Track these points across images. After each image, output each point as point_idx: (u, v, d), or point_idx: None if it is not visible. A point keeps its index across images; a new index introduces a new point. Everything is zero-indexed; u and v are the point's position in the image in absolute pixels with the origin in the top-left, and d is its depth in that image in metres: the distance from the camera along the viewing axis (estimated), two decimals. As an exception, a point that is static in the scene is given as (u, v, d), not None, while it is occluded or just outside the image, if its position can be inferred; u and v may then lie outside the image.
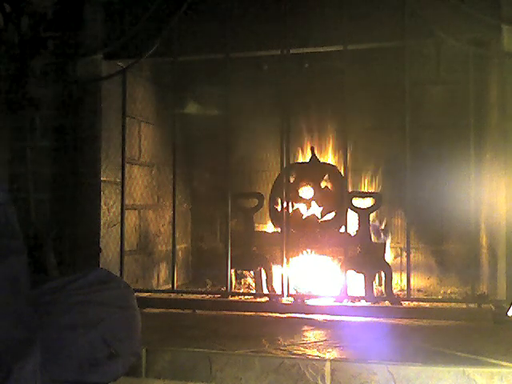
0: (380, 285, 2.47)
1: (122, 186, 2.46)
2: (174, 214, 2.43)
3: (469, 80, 2.20)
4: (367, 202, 2.48)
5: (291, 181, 2.59)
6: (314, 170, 2.65)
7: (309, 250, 2.53)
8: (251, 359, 1.61)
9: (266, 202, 2.65)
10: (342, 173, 2.38)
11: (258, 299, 2.42)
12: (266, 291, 2.52)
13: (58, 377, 0.92)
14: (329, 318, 2.18)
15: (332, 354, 1.63)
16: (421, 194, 2.56)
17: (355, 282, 2.39)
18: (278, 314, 2.24)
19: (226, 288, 2.38)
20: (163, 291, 2.67)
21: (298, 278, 2.46)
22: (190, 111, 3.12)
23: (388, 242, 2.79)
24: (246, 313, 2.27)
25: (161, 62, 2.66)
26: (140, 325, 1.06)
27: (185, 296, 2.52)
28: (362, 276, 2.34)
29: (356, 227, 2.42)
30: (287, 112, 2.35)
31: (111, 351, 0.96)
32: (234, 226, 2.61)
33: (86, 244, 2.40)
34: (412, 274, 2.25)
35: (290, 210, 2.44)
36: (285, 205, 2.39)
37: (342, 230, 2.34)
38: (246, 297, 2.48)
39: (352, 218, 2.40)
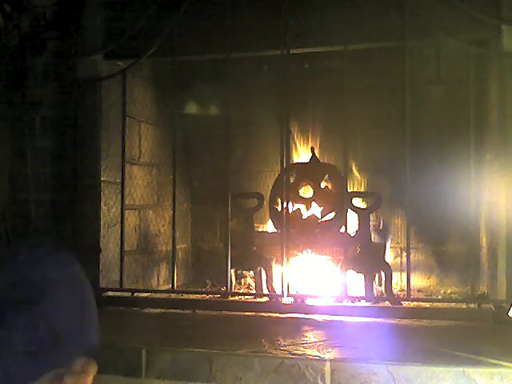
0: (380, 285, 2.47)
1: (122, 186, 2.46)
2: (174, 214, 2.43)
3: (469, 80, 2.20)
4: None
5: (291, 181, 2.59)
6: (314, 170, 2.65)
7: (309, 250, 2.53)
8: (251, 359, 1.61)
9: (266, 202, 2.66)
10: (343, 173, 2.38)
11: (258, 299, 2.42)
12: (266, 291, 2.52)
13: None
14: (329, 318, 2.18)
15: (332, 354, 1.63)
16: (421, 194, 2.56)
17: (355, 282, 2.39)
18: (278, 314, 2.24)
19: (226, 288, 2.38)
20: (163, 291, 2.68)
21: (298, 278, 2.46)
22: (189, 111, 3.12)
23: (388, 242, 2.79)
24: (245, 313, 2.27)
25: (161, 61, 2.66)
26: (94, 303, 0.90)
27: (185, 296, 2.52)
28: (361, 276, 2.34)
29: (356, 227, 2.42)
30: (287, 112, 2.35)
31: (53, 333, 0.86)
32: (234, 226, 2.61)
33: (86, 244, 2.40)
34: (412, 274, 2.26)
35: (290, 210, 2.44)
36: (285, 205, 2.39)
37: (342, 230, 2.34)
38: (246, 297, 2.48)
39: (352, 218, 2.40)
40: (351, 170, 2.73)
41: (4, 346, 0.80)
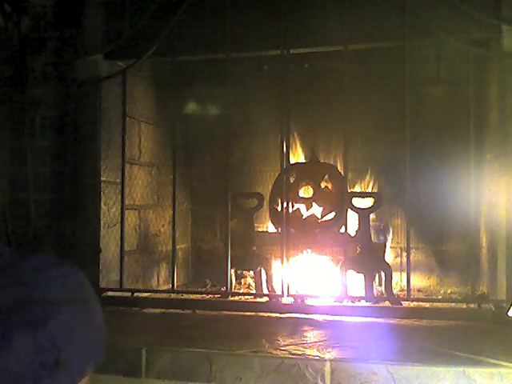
0: (380, 285, 2.47)
1: (122, 186, 2.46)
2: (174, 214, 2.43)
3: (469, 80, 2.20)
4: (367, 202, 2.48)
5: (291, 181, 2.59)
6: (314, 170, 2.65)
7: (309, 250, 2.53)
8: (251, 359, 1.61)
9: (266, 202, 2.65)
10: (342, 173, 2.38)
11: (258, 299, 2.42)
12: (266, 291, 2.52)
13: None
14: (329, 318, 2.18)
15: (332, 354, 1.63)
16: (421, 194, 2.56)
17: (355, 282, 2.39)
18: (278, 314, 2.24)
19: (226, 288, 2.38)
20: (163, 291, 2.68)
21: (298, 278, 2.46)
22: (190, 111, 3.12)
23: (388, 241, 2.79)
24: (245, 313, 2.27)
25: (161, 61, 2.66)
26: (101, 321, 0.88)
27: (185, 296, 2.52)
28: (362, 276, 2.34)
29: (356, 227, 2.42)
30: (287, 112, 2.35)
31: (58, 357, 0.81)
32: (234, 226, 2.61)
33: (86, 244, 2.40)
34: (412, 274, 2.26)
35: (290, 210, 2.44)
36: (285, 205, 2.39)
37: (342, 230, 2.34)
38: (246, 297, 2.48)
39: (352, 218, 2.40)
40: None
41: (5, 370, 0.77)
